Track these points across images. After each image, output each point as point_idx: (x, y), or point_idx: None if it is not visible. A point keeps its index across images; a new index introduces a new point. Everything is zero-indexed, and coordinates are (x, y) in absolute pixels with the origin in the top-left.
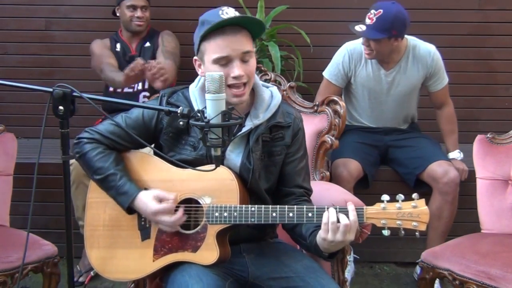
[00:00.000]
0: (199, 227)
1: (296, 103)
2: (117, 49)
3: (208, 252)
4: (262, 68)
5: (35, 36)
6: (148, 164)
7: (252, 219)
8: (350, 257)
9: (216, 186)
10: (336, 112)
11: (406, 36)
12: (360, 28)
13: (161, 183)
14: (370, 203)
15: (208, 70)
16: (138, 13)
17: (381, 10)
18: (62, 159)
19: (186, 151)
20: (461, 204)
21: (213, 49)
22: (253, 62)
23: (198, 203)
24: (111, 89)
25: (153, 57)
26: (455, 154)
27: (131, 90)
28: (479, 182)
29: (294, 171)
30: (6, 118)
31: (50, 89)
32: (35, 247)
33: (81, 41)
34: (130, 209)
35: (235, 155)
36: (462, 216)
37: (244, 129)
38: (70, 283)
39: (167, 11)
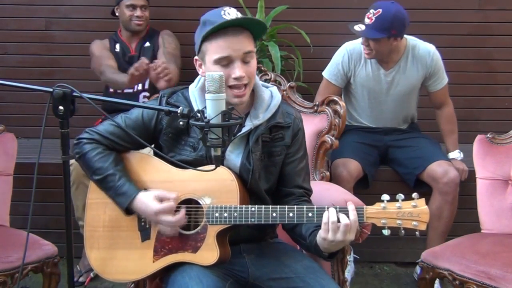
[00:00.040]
0: (199, 227)
1: (296, 103)
2: (116, 50)
3: (208, 253)
4: (262, 68)
5: (35, 36)
6: (147, 165)
7: (252, 219)
8: (350, 257)
9: (216, 187)
10: (336, 112)
11: (405, 36)
12: (359, 27)
13: (161, 183)
14: (370, 203)
15: (209, 71)
16: (138, 12)
17: (380, 10)
18: (62, 159)
19: (185, 152)
20: (461, 204)
21: (214, 49)
22: (254, 63)
23: (198, 203)
24: (111, 89)
25: (154, 57)
26: (455, 154)
27: (131, 90)
28: (479, 182)
29: (294, 171)
30: (6, 118)
31: (50, 89)
32: (35, 247)
33: (81, 41)
34: (129, 210)
35: (235, 156)
36: (462, 216)
37: (244, 130)
38: (70, 283)
39: (167, 11)
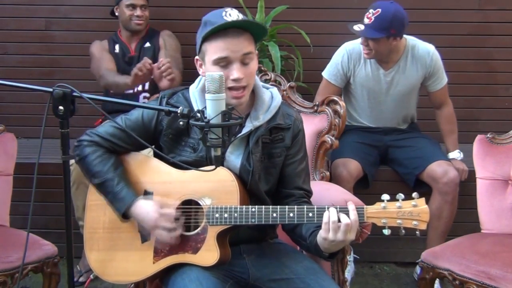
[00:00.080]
0: (199, 228)
1: (296, 103)
2: (116, 51)
3: (209, 253)
4: (262, 68)
5: (35, 36)
6: (147, 166)
7: (253, 220)
8: (350, 257)
9: (216, 187)
10: (336, 112)
11: (405, 36)
12: (358, 27)
13: (161, 184)
14: (370, 203)
15: (208, 71)
16: (138, 12)
17: (380, 10)
18: (62, 159)
19: (186, 153)
20: (461, 204)
21: (213, 50)
22: (253, 64)
23: (198, 204)
24: (112, 90)
25: (154, 57)
26: (455, 154)
27: (131, 91)
28: (479, 182)
29: (294, 172)
30: (6, 118)
31: (50, 89)
32: (35, 247)
33: (81, 41)
34: (126, 215)
35: (234, 157)
36: (462, 216)
37: (244, 131)
38: (70, 283)
39: (167, 11)
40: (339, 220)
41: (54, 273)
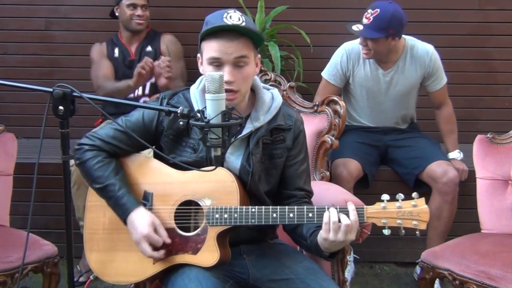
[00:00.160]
0: (199, 229)
1: (296, 103)
2: (115, 55)
3: (209, 254)
4: (262, 68)
5: (35, 36)
6: (148, 168)
7: (253, 220)
8: (350, 257)
9: (216, 188)
10: (336, 112)
11: (404, 36)
12: (357, 27)
13: (160, 185)
14: (370, 203)
15: (204, 69)
16: (139, 11)
17: (378, 10)
18: (62, 159)
19: (186, 153)
20: (461, 204)
21: (208, 49)
22: (248, 69)
23: (198, 205)
24: None
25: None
26: (455, 154)
27: (131, 95)
28: (479, 182)
29: (295, 173)
30: (6, 118)
31: (50, 89)
32: (35, 247)
33: (81, 41)
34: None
35: (234, 158)
36: (462, 216)
37: (244, 132)
38: (70, 283)
39: (167, 11)
40: (339, 221)
41: (54, 273)
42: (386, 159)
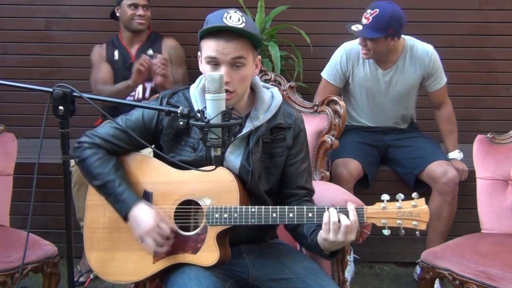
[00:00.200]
0: (199, 228)
1: (296, 103)
2: (115, 58)
3: (209, 254)
4: (262, 68)
5: (35, 36)
6: (147, 167)
7: (252, 220)
8: (350, 257)
9: (216, 187)
10: (336, 112)
11: (403, 36)
12: (356, 28)
13: (160, 185)
14: (370, 203)
15: (202, 67)
16: (140, 11)
17: (377, 10)
18: (62, 159)
19: (186, 152)
20: (461, 204)
21: (206, 48)
22: (245, 70)
23: (198, 204)
24: None
25: None
26: (455, 154)
27: (131, 98)
28: (479, 182)
29: (296, 172)
30: (6, 118)
31: (50, 89)
32: (35, 247)
33: (81, 41)
34: (126, 217)
35: (234, 157)
36: (462, 216)
37: (244, 131)
38: (70, 283)
39: (167, 11)
40: (339, 221)
41: (54, 273)
42: (386, 159)
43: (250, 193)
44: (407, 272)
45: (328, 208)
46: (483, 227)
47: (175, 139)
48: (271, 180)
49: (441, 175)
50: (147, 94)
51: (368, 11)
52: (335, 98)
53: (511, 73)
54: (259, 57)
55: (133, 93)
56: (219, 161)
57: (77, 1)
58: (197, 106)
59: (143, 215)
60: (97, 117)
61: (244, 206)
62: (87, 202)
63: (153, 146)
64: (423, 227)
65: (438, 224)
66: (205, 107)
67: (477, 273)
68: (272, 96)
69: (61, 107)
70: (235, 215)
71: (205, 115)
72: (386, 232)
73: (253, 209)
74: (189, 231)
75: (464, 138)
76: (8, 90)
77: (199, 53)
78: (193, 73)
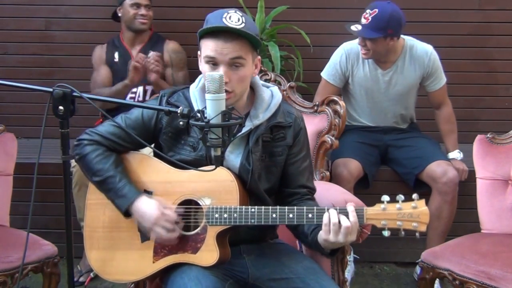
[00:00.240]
0: (199, 228)
1: (296, 103)
2: (115, 59)
3: (208, 253)
4: (262, 68)
5: (35, 36)
6: (147, 166)
7: (252, 220)
8: (350, 257)
9: (216, 187)
10: (336, 112)
11: (403, 36)
12: (356, 28)
13: (160, 184)
14: (370, 203)
15: (202, 67)
16: (142, 11)
17: (377, 10)
18: (62, 159)
19: (185, 152)
20: (461, 204)
21: (205, 48)
22: (244, 70)
23: (198, 204)
24: None
25: None
26: (455, 154)
27: (131, 101)
28: (479, 182)
29: (297, 171)
30: (6, 118)
31: (50, 89)
32: (35, 247)
33: (81, 41)
34: (128, 213)
35: (234, 156)
36: (462, 216)
37: (243, 130)
38: (70, 283)
39: (167, 11)
40: (339, 222)
41: (54, 273)
42: (386, 159)
43: (250, 192)
44: (407, 272)
45: (328, 209)
46: (483, 227)
47: (175, 138)
48: (271, 179)
49: (441, 175)
50: (147, 97)
51: (368, 11)
52: (335, 98)
53: (511, 73)
54: (259, 57)
55: (134, 96)
56: (219, 161)
57: (77, 1)
58: (196, 105)
59: (146, 206)
60: (97, 117)
61: (244, 206)
62: (87, 201)
63: (152, 145)
64: (423, 228)
65: (438, 224)
66: (205, 107)
67: (477, 273)
68: (271, 95)
69: (61, 107)
70: (235, 215)
71: (205, 115)
72: (386, 233)
73: (253, 209)
74: (189, 230)
75: (464, 138)
76: (8, 90)
77: (198, 52)
78: (193, 73)
